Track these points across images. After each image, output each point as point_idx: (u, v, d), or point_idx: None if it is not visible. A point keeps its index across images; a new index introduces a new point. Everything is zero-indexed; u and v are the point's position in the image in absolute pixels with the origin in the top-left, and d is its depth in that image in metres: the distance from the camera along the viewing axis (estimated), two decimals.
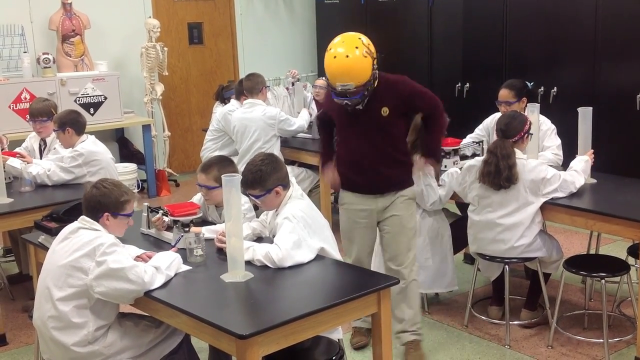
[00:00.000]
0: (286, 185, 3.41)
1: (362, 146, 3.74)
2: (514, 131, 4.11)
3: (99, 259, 2.93)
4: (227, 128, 5.92)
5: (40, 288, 3.09)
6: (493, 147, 4.09)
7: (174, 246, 3.34)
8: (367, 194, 3.81)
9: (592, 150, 4.40)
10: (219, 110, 6.29)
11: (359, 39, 3.54)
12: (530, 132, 4.18)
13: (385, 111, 3.65)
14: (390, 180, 3.79)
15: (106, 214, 3.08)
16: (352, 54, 3.48)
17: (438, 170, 4.34)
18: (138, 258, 3.20)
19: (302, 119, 6.03)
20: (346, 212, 3.92)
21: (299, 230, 3.23)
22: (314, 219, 3.38)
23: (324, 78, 7.17)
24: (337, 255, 3.41)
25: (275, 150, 5.65)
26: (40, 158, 5.03)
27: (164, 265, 3.04)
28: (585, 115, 4.39)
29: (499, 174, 4.01)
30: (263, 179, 3.32)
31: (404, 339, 3.90)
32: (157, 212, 3.68)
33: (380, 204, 3.81)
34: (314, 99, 6.94)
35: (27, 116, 5.20)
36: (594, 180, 4.43)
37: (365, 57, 3.49)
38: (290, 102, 7.05)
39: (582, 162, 4.30)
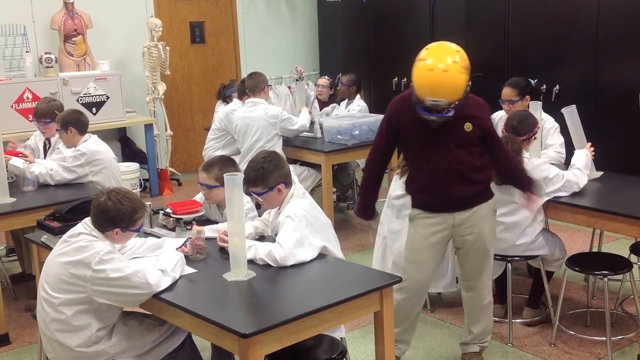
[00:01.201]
0: (288, 183, 3.41)
1: (440, 162, 3.49)
2: (525, 130, 4.09)
3: (96, 267, 2.90)
4: (230, 127, 5.92)
5: (40, 291, 3.07)
6: (505, 142, 3.98)
7: (180, 247, 3.31)
8: (442, 212, 3.56)
9: (590, 144, 4.39)
10: (221, 109, 6.29)
11: (457, 52, 3.35)
12: (536, 135, 4.18)
13: (468, 127, 3.46)
14: (466, 197, 3.55)
15: (117, 229, 3.02)
16: (450, 68, 3.28)
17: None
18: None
19: (303, 118, 6.03)
20: (416, 228, 3.63)
21: (301, 228, 3.23)
22: (316, 218, 3.38)
23: (326, 77, 7.22)
24: (339, 254, 3.42)
25: (277, 149, 5.65)
26: (45, 157, 5.04)
27: (170, 267, 3.03)
28: (571, 115, 4.36)
29: None
30: (265, 177, 3.32)
31: (466, 349, 3.86)
32: (159, 214, 3.67)
33: (458, 218, 3.56)
34: (316, 97, 6.95)
35: (31, 115, 5.20)
36: (601, 173, 4.42)
37: (462, 73, 3.30)
38: (292, 100, 7.05)
39: (583, 157, 4.27)
